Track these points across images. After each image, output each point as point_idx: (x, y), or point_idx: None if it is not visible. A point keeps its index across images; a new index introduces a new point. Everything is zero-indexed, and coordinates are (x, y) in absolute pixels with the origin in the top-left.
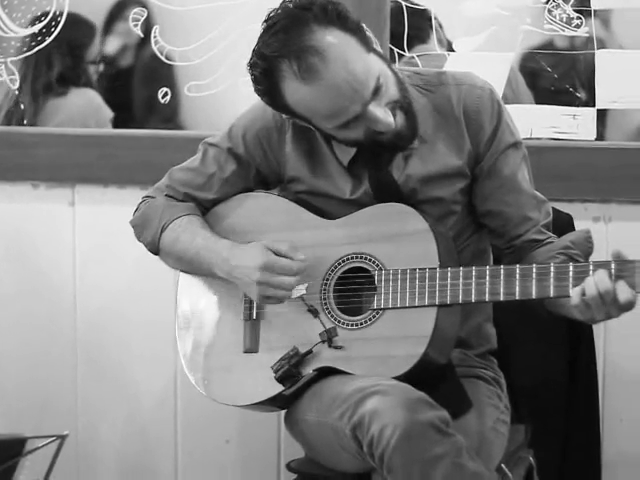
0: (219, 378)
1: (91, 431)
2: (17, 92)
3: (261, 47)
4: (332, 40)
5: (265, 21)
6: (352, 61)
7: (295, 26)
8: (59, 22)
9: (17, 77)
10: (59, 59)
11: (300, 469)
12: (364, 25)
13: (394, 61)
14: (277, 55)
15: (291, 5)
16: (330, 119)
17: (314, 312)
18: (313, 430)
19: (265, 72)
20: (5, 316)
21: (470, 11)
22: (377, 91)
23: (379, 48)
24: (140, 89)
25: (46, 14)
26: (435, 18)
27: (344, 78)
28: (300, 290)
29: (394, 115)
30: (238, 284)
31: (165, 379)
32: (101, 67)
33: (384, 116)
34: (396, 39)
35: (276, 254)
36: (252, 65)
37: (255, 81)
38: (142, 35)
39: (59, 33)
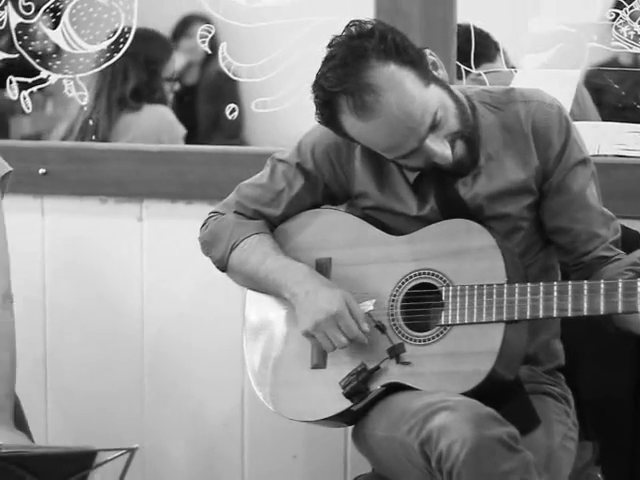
0: (287, 393)
1: (158, 448)
2: (86, 108)
3: (320, 79)
4: (388, 78)
5: (327, 47)
6: (408, 100)
7: (353, 60)
8: (127, 38)
9: (86, 93)
10: (135, 75)
11: None
12: (428, 50)
13: (461, 78)
14: (334, 90)
15: (353, 31)
16: (387, 152)
17: (381, 328)
18: (381, 445)
19: (324, 104)
20: (73, 331)
21: (536, 28)
22: (434, 126)
23: (443, 72)
24: (206, 105)
25: (115, 31)
26: (498, 44)
27: (398, 117)
28: (367, 306)
29: (453, 146)
30: (296, 306)
31: (232, 395)
32: (177, 85)
33: (441, 149)
34: (463, 56)
35: (350, 311)
36: (313, 94)
37: (316, 110)
38: (210, 52)
39: (128, 49)
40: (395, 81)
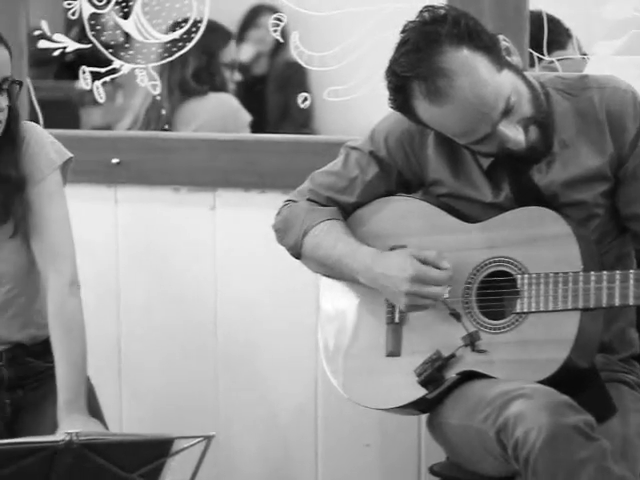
0: (361, 381)
1: (231, 436)
2: (159, 97)
3: (393, 64)
4: (462, 62)
5: (400, 32)
6: (481, 84)
7: (426, 45)
8: (199, 28)
9: (158, 82)
10: (196, 64)
11: (443, 472)
12: (501, 36)
13: (533, 65)
14: (407, 75)
15: (426, 16)
16: (460, 137)
17: (456, 316)
18: (457, 433)
19: (397, 89)
20: (146, 320)
21: (609, 14)
22: (508, 111)
23: (516, 59)
24: (277, 94)
25: (186, 20)
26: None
27: (472, 102)
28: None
29: (527, 131)
30: (383, 292)
31: (305, 384)
32: (236, 74)
33: (514, 134)
34: (535, 43)
35: (422, 262)
36: (386, 79)
37: (389, 95)
38: (281, 40)
39: (199, 39)
40: (468, 66)
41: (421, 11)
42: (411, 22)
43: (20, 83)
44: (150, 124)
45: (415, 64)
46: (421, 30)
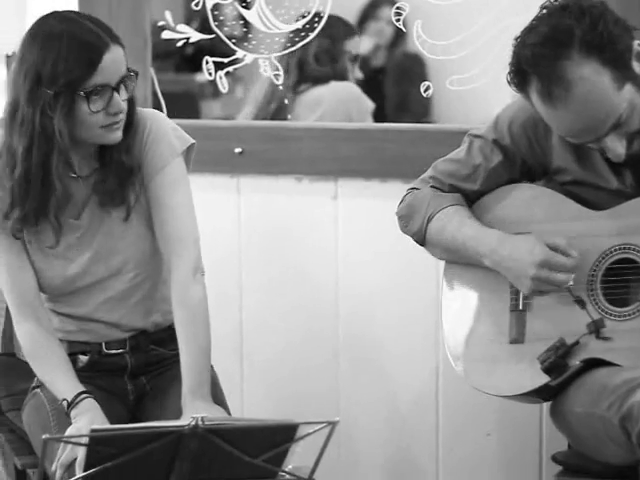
0: (484, 368)
1: (353, 422)
2: (281, 87)
3: (517, 50)
4: (584, 76)
5: (540, 8)
6: (597, 102)
7: (555, 45)
8: (322, 18)
9: (281, 72)
10: (318, 48)
11: (565, 461)
12: (637, 42)
13: None
14: (528, 68)
15: (564, 11)
16: (564, 136)
17: (581, 303)
18: (580, 421)
19: (517, 72)
20: (268, 308)
21: None
22: (616, 126)
23: None
24: (396, 86)
25: (309, 10)
26: None
27: (582, 115)
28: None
29: (630, 144)
30: (507, 275)
31: (426, 373)
32: (357, 70)
33: (615, 147)
34: None
35: (551, 248)
36: (511, 56)
37: (509, 71)
38: (404, 30)
39: (321, 30)
40: (589, 81)
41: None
42: (549, 7)
43: (136, 72)
44: (272, 114)
45: (538, 61)
46: (555, 24)
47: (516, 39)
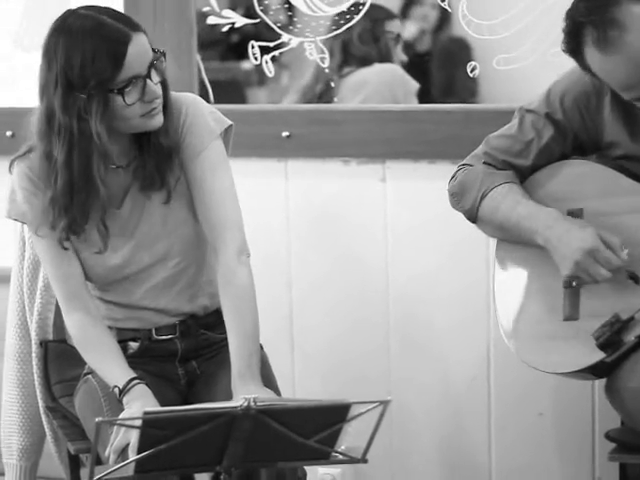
0: (538, 345)
1: (404, 403)
2: (327, 70)
3: (572, 7)
4: (637, 18)
5: None
6: None
7: None
8: (367, 0)
9: (327, 55)
10: (362, 28)
11: (619, 438)
12: None
13: None
14: (581, 20)
15: None
16: (625, 91)
17: (635, 279)
18: (634, 397)
19: (570, 33)
20: (317, 292)
21: None
22: None
23: None
24: (442, 70)
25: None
26: None
27: (638, 58)
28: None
29: None
30: (552, 252)
31: (478, 353)
32: (401, 52)
33: None
34: None
35: (604, 243)
36: (564, 22)
37: (564, 38)
38: (450, 10)
39: (367, 11)
40: None
41: None
42: None
43: (163, 52)
44: (318, 97)
45: (591, 10)
46: None
47: (571, 4)
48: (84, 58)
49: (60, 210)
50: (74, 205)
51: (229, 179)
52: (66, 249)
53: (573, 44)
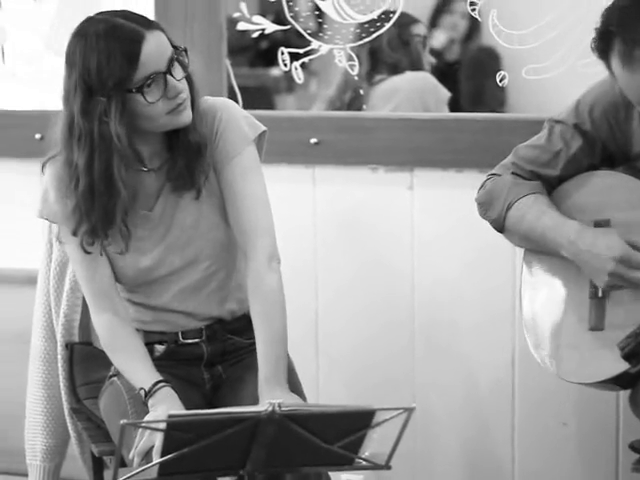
0: (564, 355)
1: (429, 408)
2: (356, 78)
3: (609, 9)
4: None
5: None
6: None
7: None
8: (397, 8)
9: (356, 63)
10: (390, 35)
11: None
12: None
13: None
14: (612, 30)
15: None
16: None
17: None
18: None
19: (601, 35)
20: (344, 297)
21: None
22: None
23: None
24: (471, 80)
25: (380, 9)
26: None
27: None
28: None
29: None
30: (583, 267)
31: (502, 361)
32: (429, 55)
33: None
34: None
35: (633, 247)
36: (596, 25)
37: (595, 36)
38: (480, 19)
39: (397, 20)
40: None
41: None
42: None
43: (184, 48)
44: (347, 105)
45: (624, 24)
46: None
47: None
48: (99, 61)
49: (82, 215)
50: (96, 209)
51: (261, 185)
52: (89, 253)
53: (600, 47)
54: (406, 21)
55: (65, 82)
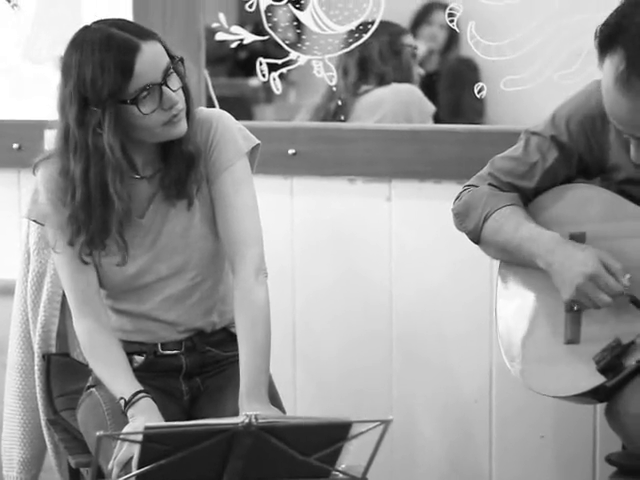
0: (539, 369)
1: (406, 423)
2: (334, 89)
3: (626, 9)
4: None
5: None
6: None
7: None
8: (375, 19)
9: (334, 74)
10: (379, 45)
11: (620, 462)
12: None
13: None
14: (622, 39)
15: None
16: (618, 124)
17: (637, 303)
18: (636, 422)
19: (608, 35)
20: (321, 309)
21: None
22: None
23: None
24: (449, 91)
25: (363, 11)
26: None
27: None
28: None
29: None
30: (553, 276)
31: (480, 373)
32: (420, 69)
33: None
34: None
35: (605, 267)
36: (610, 16)
37: (600, 32)
38: (458, 30)
39: (376, 30)
40: None
41: None
42: None
43: (181, 58)
44: (326, 116)
45: (636, 39)
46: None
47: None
48: (94, 71)
49: (79, 226)
50: (93, 220)
51: (252, 197)
52: (87, 263)
53: (605, 44)
54: (397, 31)
55: (60, 92)
